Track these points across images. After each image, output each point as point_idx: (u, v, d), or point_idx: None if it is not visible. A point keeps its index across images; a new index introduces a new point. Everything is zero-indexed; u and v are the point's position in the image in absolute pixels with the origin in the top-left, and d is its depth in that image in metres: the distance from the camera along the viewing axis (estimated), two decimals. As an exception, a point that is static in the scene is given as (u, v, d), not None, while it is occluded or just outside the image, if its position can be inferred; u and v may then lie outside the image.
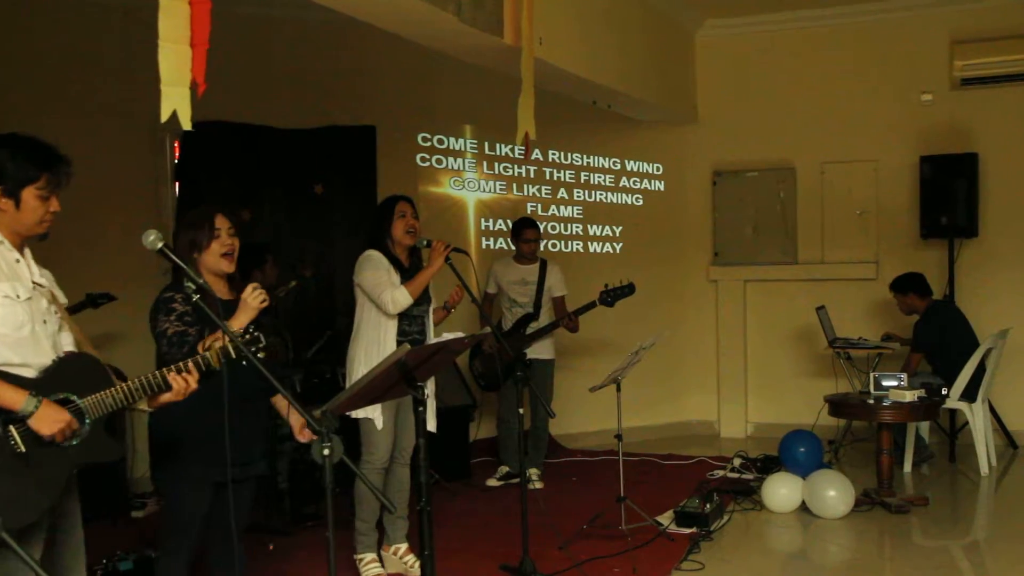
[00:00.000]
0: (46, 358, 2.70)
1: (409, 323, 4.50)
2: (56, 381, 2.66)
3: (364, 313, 4.49)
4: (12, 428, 2.55)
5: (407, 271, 4.52)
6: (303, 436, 3.21)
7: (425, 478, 3.36)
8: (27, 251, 2.78)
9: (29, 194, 2.69)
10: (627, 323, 7.33)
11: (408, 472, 4.61)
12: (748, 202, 8.04)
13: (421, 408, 3.37)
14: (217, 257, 3.34)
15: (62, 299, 2.89)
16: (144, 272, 5.94)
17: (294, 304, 6.11)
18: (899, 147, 7.58)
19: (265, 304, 3.20)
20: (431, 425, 4.40)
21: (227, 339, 2.86)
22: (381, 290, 4.38)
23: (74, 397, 2.66)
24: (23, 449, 2.55)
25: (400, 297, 4.37)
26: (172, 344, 3.16)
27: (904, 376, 5.88)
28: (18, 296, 2.65)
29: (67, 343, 2.83)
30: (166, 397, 2.81)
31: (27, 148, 2.71)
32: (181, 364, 2.82)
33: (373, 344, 4.43)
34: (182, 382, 2.79)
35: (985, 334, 6.63)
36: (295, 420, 3.30)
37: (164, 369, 2.80)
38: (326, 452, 2.60)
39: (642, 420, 7.71)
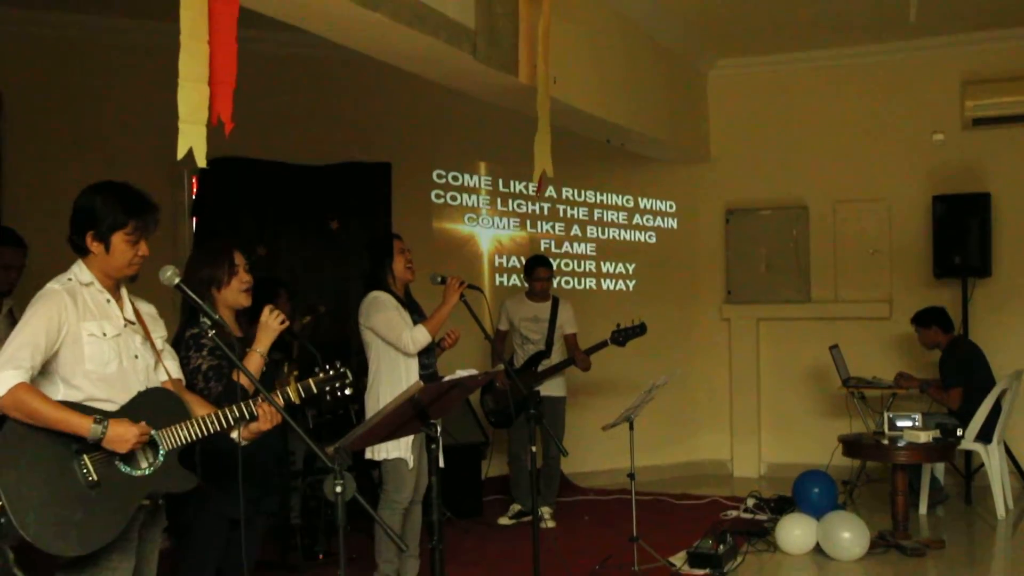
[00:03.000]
0: (135, 393, 2.85)
1: (428, 356, 4.56)
2: (132, 414, 2.78)
3: (381, 355, 4.51)
4: (86, 457, 2.70)
5: (408, 307, 4.57)
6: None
7: (438, 516, 3.33)
8: (123, 290, 2.95)
9: (118, 239, 2.85)
10: (640, 361, 7.30)
11: (420, 510, 4.58)
12: (761, 240, 8.02)
13: (434, 445, 3.35)
14: (237, 293, 3.38)
15: (160, 332, 3.04)
16: (159, 307, 5.94)
17: (308, 340, 6.11)
18: (912, 186, 7.57)
19: (285, 325, 3.26)
20: (439, 460, 4.38)
21: (306, 377, 2.98)
22: (399, 332, 4.43)
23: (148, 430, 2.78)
24: (95, 478, 2.70)
25: (420, 336, 4.43)
26: (209, 379, 3.20)
27: (918, 417, 5.82)
28: (104, 334, 2.81)
29: (164, 376, 2.97)
30: (256, 427, 2.95)
31: (118, 194, 2.87)
32: (265, 396, 2.90)
33: (397, 384, 4.44)
34: (268, 410, 2.94)
35: (1000, 374, 6.56)
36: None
37: (249, 400, 2.92)
38: (339, 489, 2.58)
39: (655, 459, 7.64)
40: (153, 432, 2.77)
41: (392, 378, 4.47)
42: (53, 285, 2.83)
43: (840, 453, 6.03)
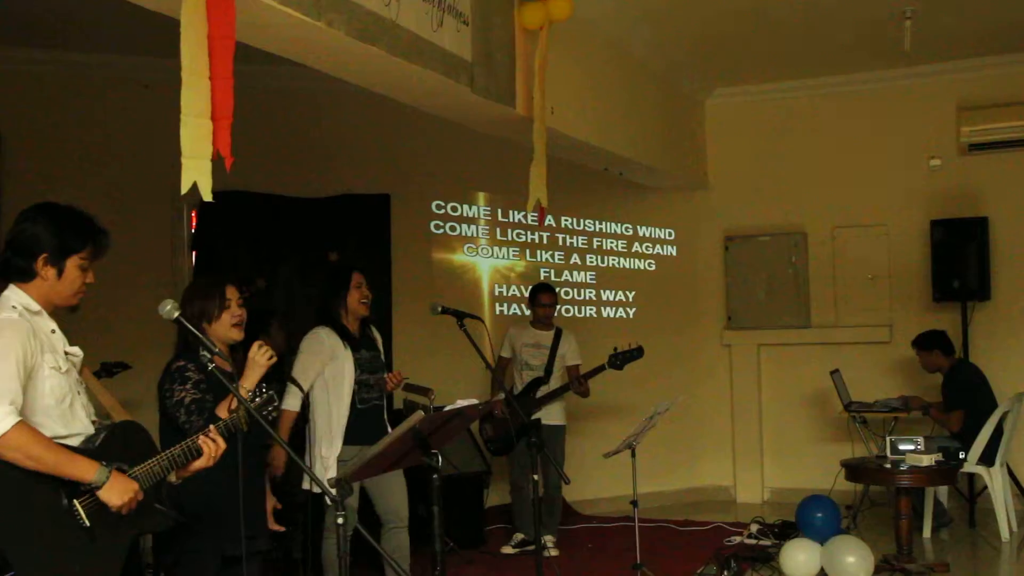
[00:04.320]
0: (85, 430, 2.70)
1: (367, 390, 4.57)
2: (109, 450, 2.65)
3: (315, 387, 4.54)
4: (77, 502, 2.54)
5: (358, 342, 4.59)
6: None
7: (440, 547, 3.33)
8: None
9: (72, 264, 2.70)
10: (641, 388, 7.30)
11: (406, 536, 4.57)
12: (760, 267, 8.05)
13: (435, 476, 3.35)
14: (228, 327, 3.39)
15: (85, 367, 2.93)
16: (159, 341, 5.94)
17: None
18: (910, 212, 7.60)
19: (273, 361, 3.24)
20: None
21: (241, 402, 2.88)
22: (299, 379, 4.44)
23: (126, 467, 2.65)
24: (87, 523, 2.54)
25: (289, 404, 4.41)
26: (191, 412, 3.17)
27: (921, 440, 5.81)
28: (59, 367, 2.65)
29: (92, 412, 2.83)
30: (197, 464, 2.79)
31: (70, 218, 2.74)
32: (211, 428, 2.83)
33: (325, 419, 4.50)
34: (212, 445, 2.79)
35: (1001, 397, 6.56)
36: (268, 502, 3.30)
37: (196, 436, 2.80)
38: (340, 520, 2.59)
39: (657, 486, 7.62)
40: (133, 470, 2.65)
41: (321, 411, 4.53)
42: (10, 314, 2.60)
43: (843, 477, 6.01)
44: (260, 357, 3.22)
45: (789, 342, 7.96)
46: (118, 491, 2.56)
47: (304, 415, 4.61)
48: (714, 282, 8.21)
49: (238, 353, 3.51)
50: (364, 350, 4.63)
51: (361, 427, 4.47)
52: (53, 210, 2.74)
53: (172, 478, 2.77)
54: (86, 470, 2.53)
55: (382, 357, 4.72)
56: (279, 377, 5.06)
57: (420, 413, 3.29)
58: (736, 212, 8.11)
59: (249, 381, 3.16)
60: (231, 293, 3.42)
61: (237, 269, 6.73)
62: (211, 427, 2.83)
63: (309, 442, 4.53)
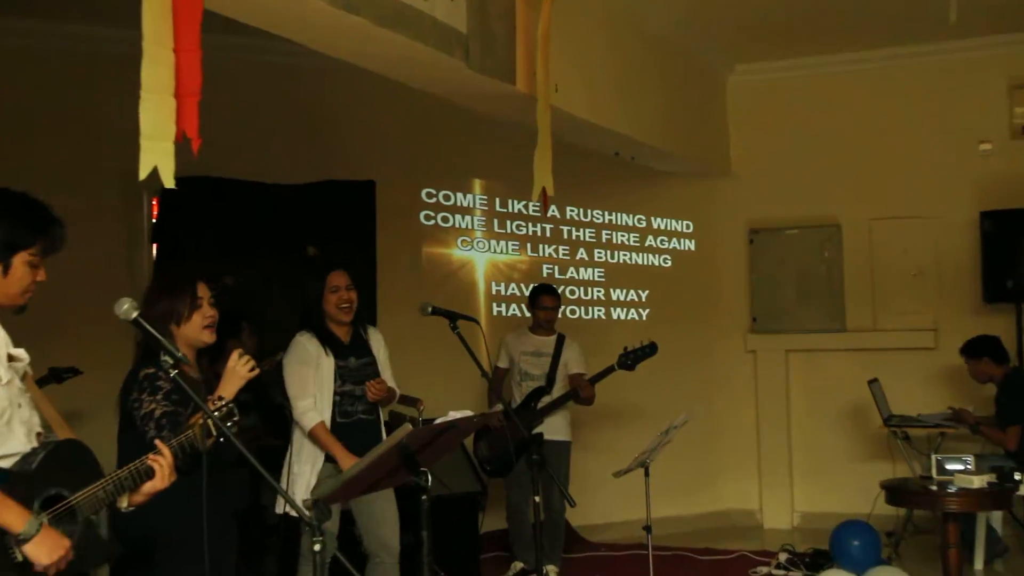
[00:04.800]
0: (22, 448, 2.58)
1: (351, 404, 4.59)
2: (47, 474, 2.54)
3: None
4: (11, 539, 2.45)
5: (346, 348, 4.62)
6: None
7: (429, 576, 3.33)
8: None
9: (20, 260, 2.62)
10: (655, 398, 7.29)
11: (395, 569, 4.58)
12: (789, 263, 8.04)
13: (425, 497, 3.34)
14: (199, 329, 3.37)
15: (29, 372, 2.80)
16: (115, 344, 5.92)
17: (279, 380, 6.12)
18: (957, 202, 7.60)
19: (255, 373, 3.21)
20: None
21: (207, 415, 2.85)
22: (299, 397, 4.50)
23: (66, 492, 2.56)
24: (20, 558, 2.46)
25: (308, 422, 4.48)
26: (162, 427, 3.14)
27: (971, 459, 5.80)
28: (2, 377, 2.55)
29: (37, 425, 2.73)
30: (150, 487, 2.72)
31: (21, 208, 2.66)
32: (158, 443, 2.76)
33: (302, 431, 4.53)
34: (164, 463, 2.72)
35: (1060, 410, 6.56)
36: None
37: (147, 456, 2.73)
38: (317, 548, 2.58)
39: (674, 509, 7.61)
40: (74, 498, 2.55)
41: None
42: None
43: (883, 501, 6.00)
44: (241, 368, 3.19)
45: (821, 347, 7.95)
46: (47, 549, 2.45)
47: (281, 432, 4.63)
48: (737, 280, 8.21)
49: (203, 359, 3.50)
50: (353, 357, 4.65)
51: (344, 445, 4.48)
52: (2, 198, 2.66)
53: (123, 504, 2.71)
54: (14, 520, 2.42)
55: (380, 365, 4.73)
56: (255, 389, 5.07)
57: (407, 426, 3.29)
58: (761, 201, 8.11)
59: (225, 394, 3.13)
60: (202, 291, 3.40)
61: (204, 264, 6.72)
62: (158, 442, 2.79)
63: (288, 460, 4.55)
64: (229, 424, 2.84)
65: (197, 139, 3.09)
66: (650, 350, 6.22)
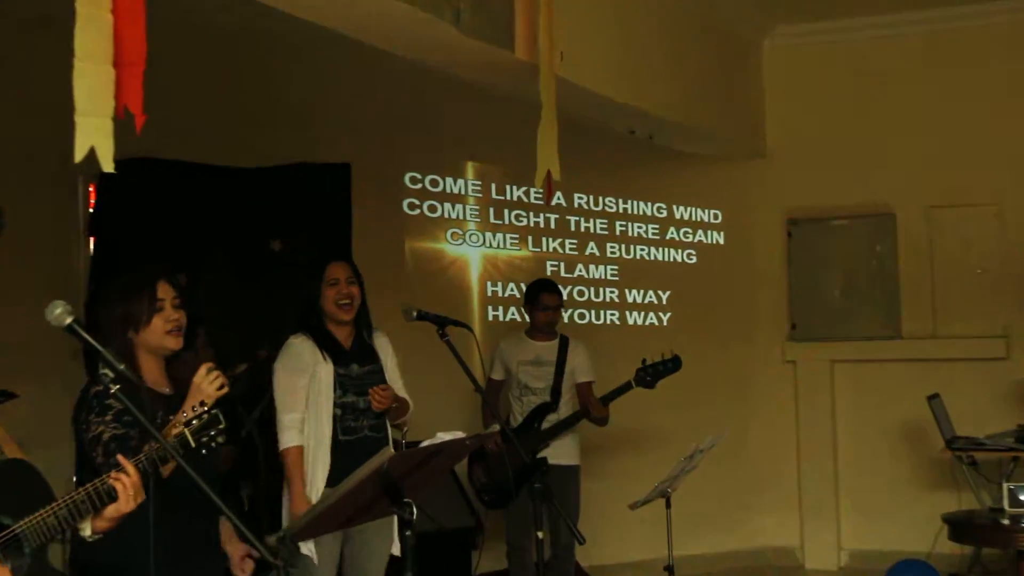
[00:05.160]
0: None
1: (354, 418, 4.61)
2: None
3: None
4: None
5: (347, 354, 4.65)
6: (243, 571, 3.21)
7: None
8: None
9: None
10: (677, 417, 7.29)
11: None
12: (834, 258, 8.05)
13: (409, 533, 3.35)
14: (161, 335, 3.39)
15: None
16: (50, 358, 5.94)
17: (244, 395, 6.11)
18: (1031, 187, 7.62)
19: (224, 392, 3.22)
20: (393, 547, 4.49)
21: (182, 428, 2.86)
22: (284, 409, 4.55)
23: (8, 520, 2.59)
24: None
25: (285, 440, 4.52)
26: (110, 452, 3.15)
27: (1047, 488, 5.81)
28: None
29: None
30: (113, 510, 2.74)
31: None
32: (120, 460, 2.79)
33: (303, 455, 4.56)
34: (128, 482, 2.74)
35: None
36: (235, 549, 3.30)
37: (109, 474, 2.76)
38: (286, 590, 2.59)
39: (700, 546, 7.61)
40: (19, 526, 2.59)
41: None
42: None
43: (945, 537, 6.01)
44: (208, 385, 3.21)
45: (872, 358, 7.95)
46: None
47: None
48: (773, 279, 8.20)
49: (179, 367, 3.51)
50: (355, 364, 4.68)
51: (346, 467, 4.46)
52: None
53: (86, 532, 2.74)
54: None
55: (386, 373, 4.76)
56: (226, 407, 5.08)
57: (388, 449, 3.29)
58: (802, 187, 8.10)
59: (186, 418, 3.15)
60: (164, 290, 3.43)
61: (149, 262, 6.71)
62: (120, 458, 2.80)
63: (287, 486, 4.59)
64: (213, 433, 2.86)
65: (141, 115, 3.09)
66: (673, 365, 6.21)
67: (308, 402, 4.59)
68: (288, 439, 4.52)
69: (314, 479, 4.54)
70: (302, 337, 4.64)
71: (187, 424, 2.87)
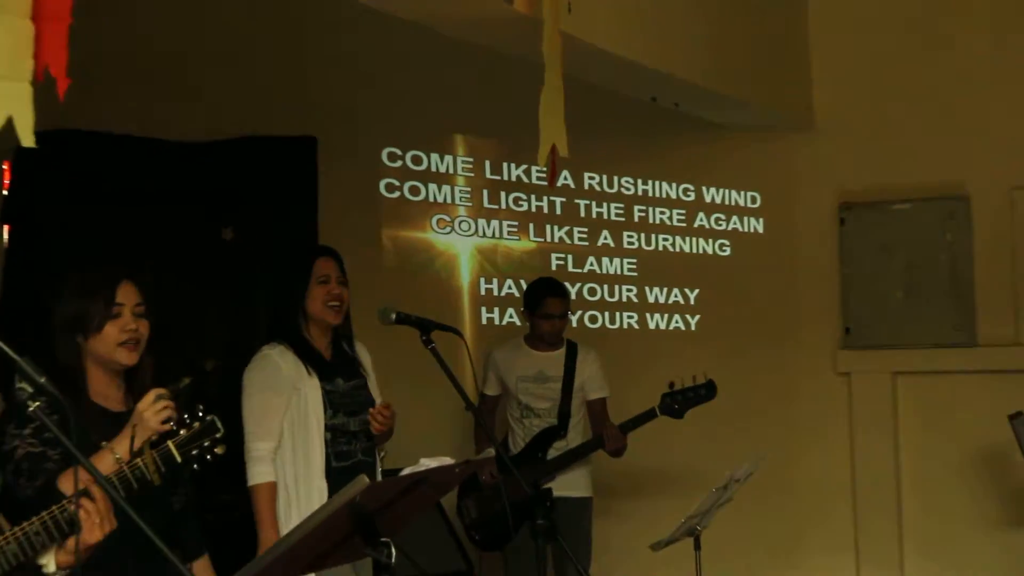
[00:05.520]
0: None
1: (347, 441, 4.64)
2: None
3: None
4: None
5: (330, 367, 4.66)
6: None
7: None
8: None
9: None
10: (708, 440, 7.30)
11: None
12: (896, 250, 8.03)
13: (386, 576, 3.36)
14: (112, 346, 3.42)
15: None
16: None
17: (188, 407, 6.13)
18: None
19: (168, 427, 3.22)
20: None
21: (173, 438, 2.90)
22: (256, 435, 4.52)
23: None
24: None
25: (256, 475, 4.49)
26: (20, 472, 3.18)
27: None
28: None
29: None
30: (83, 539, 2.76)
31: None
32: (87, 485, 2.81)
33: (283, 484, 4.55)
34: (92, 509, 2.76)
35: None
36: None
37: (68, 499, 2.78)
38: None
39: (736, 595, 7.64)
40: None
41: (279, 476, 4.59)
42: None
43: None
44: (152, 415, 3.22)
45: (942, 369, 7.94)
46: None
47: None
48: (823, 274, 8.19)
49: (141, 379, 3.53)
50: (340, 378, 4.70)
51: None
52: None
53: (50, 568, 2.76)
54: None
55: (371, 389, 4.79)
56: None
57: (362, 479, 3.30)
58: (857, 164, 8.09)
59: (121, 447, 3.17)
60: (125, 295, 3.50)
61: (75, 253, 6.72)
62: (87, 482, 2.81)
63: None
64: (207, 443, 2.89)
65: (65, 78, 3.10)
66: (706, 393, 6.21)
67: (293, 425, 4.58)
68: (258, 473, 4.51)
69: (300, 514, 4.47)
70: (280, 348, 4.63)
71: (170, 436, 2.89)
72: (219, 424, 2.96)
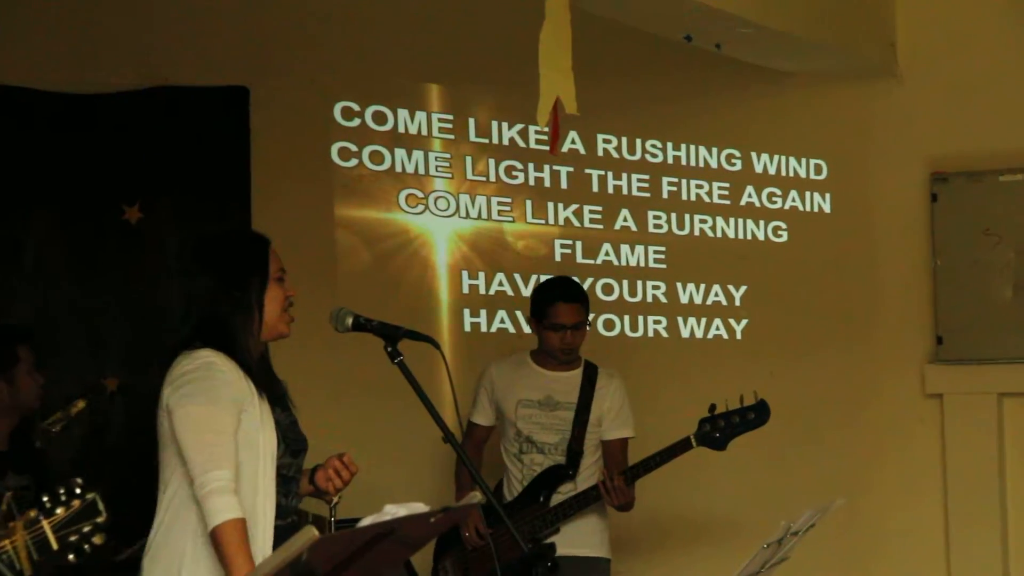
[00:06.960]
0: None
1: (286, 491, 4.63)
2: None
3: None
4: None
5: (271, 388, 4.59)
6: None
7: None
8: None
9: None
10: (756, 478, 7.34)
11: None
12: (1004, 234, 8.06)
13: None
14: None
15: None
16: None
17: (84, 441, 6.16)
18: None
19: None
20: None
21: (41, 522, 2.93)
22: (209, 462, 4.31)
23: None
24: None
25: (219, 513, 4.25)
26: None
27: None
28: None
29: None
30: None
31: None
32: None
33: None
34: None
35: None
36: None
37: None
38: None
39: None
40: None
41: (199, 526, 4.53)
42: None
43: None
44: None
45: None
46: None
47: None
48: (909, 267, 8.22)
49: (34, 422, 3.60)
50: (278, 407, 4.63)
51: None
52: None
53: None
54: None
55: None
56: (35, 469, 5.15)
57: (310, 531, 3.33)
58: (952, 126, 8.12)
59: None
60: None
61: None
62: None
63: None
64: (87, 530, 2.90)
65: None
66: (755, 419, 6.21)
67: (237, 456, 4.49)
68: (223, 507, 4.22)
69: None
70: (223, 356, 4.41)
71: (44, 513, 2.90)
72: (101, 506, 2.94)
